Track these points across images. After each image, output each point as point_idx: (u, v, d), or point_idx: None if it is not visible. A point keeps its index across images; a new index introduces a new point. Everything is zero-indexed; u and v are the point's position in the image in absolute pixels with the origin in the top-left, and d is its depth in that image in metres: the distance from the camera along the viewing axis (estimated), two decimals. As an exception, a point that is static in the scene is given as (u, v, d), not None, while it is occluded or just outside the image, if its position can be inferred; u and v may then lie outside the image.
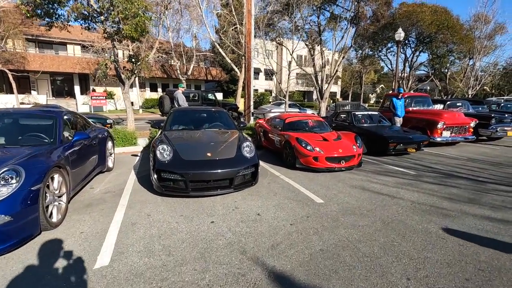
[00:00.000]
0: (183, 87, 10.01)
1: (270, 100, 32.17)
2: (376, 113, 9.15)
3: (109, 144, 6.10)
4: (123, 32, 7.98)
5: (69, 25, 8.28)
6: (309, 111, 20.03)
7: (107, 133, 6.20)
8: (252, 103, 13.72)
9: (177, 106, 9.31)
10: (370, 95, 56.51)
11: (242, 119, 14.51)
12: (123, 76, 9.48)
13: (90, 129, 5.51)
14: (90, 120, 6.19)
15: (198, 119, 6.59)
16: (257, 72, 39.06)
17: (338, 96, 47.98)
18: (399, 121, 9.54)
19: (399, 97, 9.58)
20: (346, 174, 5.84)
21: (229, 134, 5.73)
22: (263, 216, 3.72)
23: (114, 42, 8.82)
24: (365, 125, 8.53)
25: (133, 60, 9.59)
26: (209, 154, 4.52)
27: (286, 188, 4.94)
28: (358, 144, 6.25)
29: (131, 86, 25.54)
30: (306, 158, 5.85)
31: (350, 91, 47.98)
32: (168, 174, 4.21)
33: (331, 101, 36.12)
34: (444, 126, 8.85)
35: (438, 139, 8.76)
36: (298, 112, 9.19)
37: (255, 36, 15.20)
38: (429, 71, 25.93)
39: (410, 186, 5.04)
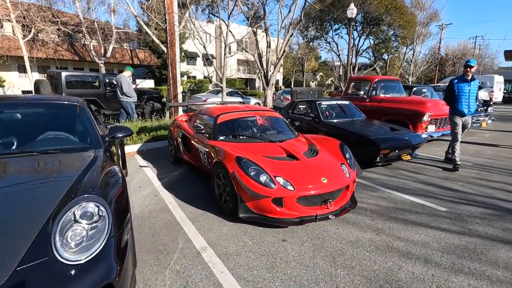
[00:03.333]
0: (130, 71, 7.96)
1: (210, 88, 28.46)
2: (347, 102, 6.59)
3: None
4: None
5: None
6: (253, 100, 17.12)
7: None
8: (180, 90, 10.16)
9: (120, 94, 7.43)
10: (311, 82, 56.52)
11: (167, 113, 10.83)
12: None
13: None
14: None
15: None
16: (193, 57, 34.77)
17: (281, 83, 46.51)
18: (464, 122, 5.18)
19: (468, 77, 4.98)
20: (334, 227, 3.00)
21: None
22: None
23: None
24: (336, 120, 5.87)
25: None
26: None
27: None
28: (348, 162, 3.44)
29: (24, 70, 19.25)
30: (258, 200, 2.82)
31: (293, 78, 46.85)
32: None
33: (274, 89, 33.99)
34: (429, 119, 6.76)
35: (423, 136, 6.61)
36: (240, 102, 6.35)
37: (181, 6, 11.44)
38: (371, 57, 25.35)
39: (475, 255, 2.41)
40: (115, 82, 8.10)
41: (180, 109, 9.97)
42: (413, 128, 6.67)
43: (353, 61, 20.56)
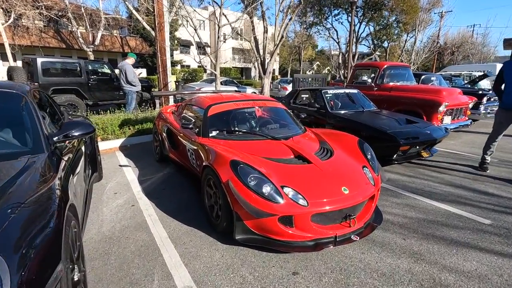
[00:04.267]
0: (134, 58, 7.59)
1: (204, 77, 27.45)
2: (355, 91, 5.87)
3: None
4: None
5: None
6: (249, 90, 16.30)
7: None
8: (171, 78, 9.34)
9: (123, 83, 7.08)
10: (307, 72, 55.44)
11: (157, 103, 9.98)
12: None
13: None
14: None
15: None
16: (187, 45, 33.58)
17: (277, 73, 45.50)
18: None
19: None
20: (359, 251, 2.33)
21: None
22: None
23: None
24: (345, 111, 5.17)
25: None
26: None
27: None
28: (371, 164, 2.76)
29: (7, 58, 18.06)
30: (259, 219, 2.13)
31: (289, 67, 45.78)
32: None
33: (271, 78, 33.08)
34: (446, 109, 6.09)
35: (445, 129, 5.92)
36: (236, 91, 5.65)
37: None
38: (370, 46, 24.44)
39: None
40: (117, 71, 7.69)
41: (171, 99, 9.17)
42: (427, 119, 6.00)
43: (353, 49, 19.71)
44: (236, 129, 3.31)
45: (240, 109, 3.49)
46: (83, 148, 2.87)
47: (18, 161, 1.69)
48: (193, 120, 3.51)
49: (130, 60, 7.38)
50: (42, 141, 1.91)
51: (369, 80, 7.39)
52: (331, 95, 5.49)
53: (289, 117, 3.67)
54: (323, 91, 5.46)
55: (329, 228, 2.24)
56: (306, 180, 2.34)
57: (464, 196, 3.33)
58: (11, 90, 2.18)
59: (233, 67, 39.31)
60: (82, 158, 2.70)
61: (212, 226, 2.59)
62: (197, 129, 3.27)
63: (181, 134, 3.58)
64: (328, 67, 49.02)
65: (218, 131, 3.19)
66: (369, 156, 2.86)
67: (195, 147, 3.11)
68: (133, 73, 7.15)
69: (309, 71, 55.88)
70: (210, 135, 3.11)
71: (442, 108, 5.95)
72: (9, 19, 17.67)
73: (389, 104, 6.71)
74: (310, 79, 7.33)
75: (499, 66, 21.70)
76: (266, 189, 2.16)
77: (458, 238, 2.46)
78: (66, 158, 2.11)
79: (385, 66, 7.20)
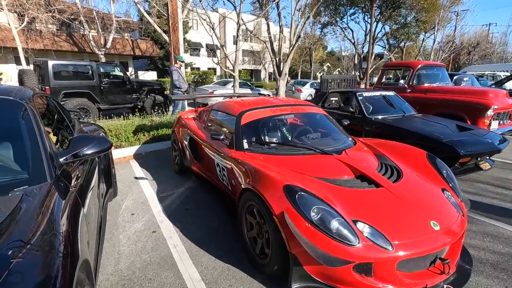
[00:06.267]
0: (182, 61, 7.61)
1: (215, 80, 27.11)
2: (392, 93, 5.28)
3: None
4: None
5: None
6: (263, 92, 15.82)
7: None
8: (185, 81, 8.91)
9: (173, 86, 7.16)
10: (317, 73, 54.67)
11: (172, 108, 9.56)
12: None
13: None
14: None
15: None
16: (197, 48, 33.46)
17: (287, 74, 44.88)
18: None
19: None
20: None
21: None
22: None
23: None
24: (384, 117, 4.59)
25: None
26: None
27: None
28: (452, 186, 2.20)
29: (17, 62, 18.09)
30: (326, 269, 1.60)
31: (299, 69, 45.17)
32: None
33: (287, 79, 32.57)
34: (493, 113, 5.45)
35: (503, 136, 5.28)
36: (259, 94, 5.17)
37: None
38: (385, 46, 23.66)
39: None
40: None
41: (185, 103, 8.74)
42: (473, 124, 5.38)
43: (370, 49, 19.01)
44: (275, 140, 2.80)
45: (277, 116, 2.96)
46: (96, 161, 2.40)
47: (9, 196, 1.21)
48: (222, 129, 3.01)
49: (178, 64, 7.47)
50: (44, 165, 1.44)
51: (402, 81, 6.78)
52: (366, 98, 4.93)
53: (334, 125, 3.13)
54: (357, 93, 4.90)
55: (416, 276, 1.70)
56: (382, 211, 1.81)
57: (553, 222, 2.73)
58: (8, 96, 1.72)
59: (243, 69, 39.02)
60: (96, 176, 2.23)
61: (254, 265, 2.07)
62: (228, 140, 2.77)
63: (208, 145, 3.09)
64: (339, 68, 48.22)
65: (254, 143, 2.68)
66: (445, 175, 2.30)
67: (227, 163, 2.60)
68: (178, 76, 7.18)
69: (319, 72, 55.17)
70: (245, 147, 2.60)
71: (490, 112, 5.32)
72: (22, 23, 17.69)
73: (425, 107, 6.08)
74: (339, 80, 6.76)
75: (519, 65, 20.64)
76: (335, 225, 1.63)
77: None
78: (75, 183, 1.63)
79: (420, 66, 6.58)
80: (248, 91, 14.06)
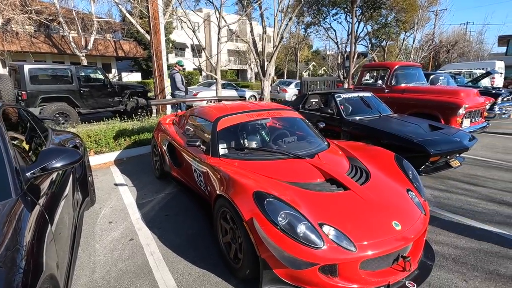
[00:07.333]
0: (181, 65, 7.95)
1: (200, 81, 26.92)
2: (369, 94, 5.44)
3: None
4: None
5: None
6: (248, 93, 15.87)
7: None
8: (167, 83, 8.84)
9: (173, 89, 7.62)
10: (303, 72, 55.14)
11: (154, 110, 9.45)
12: None
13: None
14: None
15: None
16: (182, 48, 33.10)
17: (273, 74, 45.08)
18: None
19: None
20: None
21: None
22: None
23: None
24: (361, 117, 4.73)
25: None
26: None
27: None
28: (416, 186, 2.32)
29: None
30: (294, 271, 1.67)
31: (285, 69, 45.47)
32: None
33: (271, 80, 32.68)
34: (465, 112, 5.70)
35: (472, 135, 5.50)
36: (241, 97, 5.22)
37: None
38: (368, 45, 24.13)
39: None
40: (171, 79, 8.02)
41: (168, 107, 8.68)
42: (446, 123, 5.61)
43: (352, 48, 19.38)
44: (251, 146, 2.86)
45: (253, 121, 3.02)
46: (69, 171, 2.39)
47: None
48: (199, 136, 3.05)
49: (177, 68, 7.74)
50: (9, 180, 1.44)
51: (380, 82, 6.98)
52: (344, 99, 5.06)
53: (309, 129, 3.22)
54: (335, 95, 5.03)
55: (379, 274, 1.79)
56: (348, 213, 1.90)
57: (513, 216, 2.91)
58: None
59: (229, 69, 38.91)
60: (69, 186, 2.22)
61: (229, 270, 2.13)
62: (205, 147, 2.80)
63: (185, 151, 3.11)
64: (324, 67, 48.79)
65: (230, 149, 2.73)
66: (410, 175, 2.42)
67: (204, 169, 2.64)
68: (181, 80, 7.54)
69: (305, 71, 55.71)
70: (221, 153, 2.64)
71: (461, 111, 5.56)
72: (-3, 25, 17.05)
73: (402, 106, 6.30)
74: (319, 82, 6.88)
75: (498, 63, 21.53)
76: (301, 228, 1.70)
77: (529, 277, 2.03)
78: (44, 197, 1.64)
79: (397, 66, 6.79)
80: (233, 92, 14.09)
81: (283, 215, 1.74)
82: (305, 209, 1.85)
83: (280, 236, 1.68)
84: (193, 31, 6.90)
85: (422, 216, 2.04)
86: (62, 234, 1.67)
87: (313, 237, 1.68)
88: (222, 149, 2.70)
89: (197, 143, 2.69)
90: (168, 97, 8.14)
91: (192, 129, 3.44)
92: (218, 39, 7.25)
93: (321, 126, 3.52)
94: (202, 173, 2.69)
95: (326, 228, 1.75)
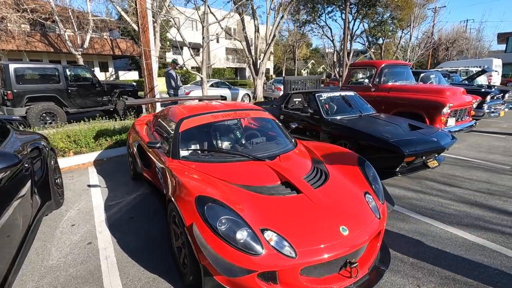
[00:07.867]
0: (176, 63, 7.93)
1: (198, 79, 26.83)
2: (352, 93, 5.38)
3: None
4: None
5: None
6: (242, 91, 15.77)
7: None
8: (157, 82, 8.77)
9: (168, 88, 7.70)
10: (302, 70, 54.93)
11: (144, 109, 9.40)
12: None
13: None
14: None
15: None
16: (180, 46, 32.94)
17: (271, 72, 45.02)
18: None
19: None
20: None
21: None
22: None
23: None
24: (341, 117, 4.67)
25: None
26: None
27: None
28: (375, 189, 2.27)
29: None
30: (232, 279, 1.62)
31: (284, 67, 45.34)
32: None
33: (265, 78, 32.61)
34: (450, 111, 5.63)
35: (452, 135, 5.45)
36: (222, 97, 5.19)
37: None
38: (365, 43, 24.02)
39: None
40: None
41: (158, 106, 8.62)
42: (430, 122, 5.56)
43: (348, 46, 19.28)
44: (215, 147, 2.81)
45: (218, 122, 2.96)
46: (23, 175, 2.34)
47: None
48: (163, 137, 3.00)
49: (172, 66, 7.81)
50: None
51: (366, 80, 6.91)
52: (325, 98, 5.00)
53: (278, 129, 3.17)
54: (316, 94, 4.96)
55: (324, 281, 1.74)
56: (294, 218, 1.84)
57: (482, 218, 2.85)
58: None
59: (227, 67, 38.80)
60: (24, 190, 2.18)
61: (179, 275, 2.08)
62: (168, 148, 2.75)
63: (151, 152, 3.07)
64: (323, 65, 48.63)
65: (191, 151, 2.68)
66: (371, 178, 2.36)
67: (163, 171, 2.59)
68: (175, 78, 7.62)
69: (304, 69, 55.53)
70: (181, 156, 2.59)
71: (446, 110, 5.49)
72: (-10, 23, 17.01)
73: (388, 105, 6.25)
74: (303, 81, 6.81)
75: (495, 61, 21.37)
76: (241, 234, 1.65)
77: (485, 282, 1.98)
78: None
79: (383, 65, 6.72)
80: (227, 91, 14.01)
81: (223, 221, 1.69)
82: (250, 214, 1.80)
83: (218, 243, 1.63)
84: (178, 30, 6.83)
85: (376, 220, 1.98)
86: (7, 238, 1.63)
87: (252, 243, 1.63)
88: (184, 151, 2.65)
89: (157, 145, 2.64)
90: (165, 95, 8.16)
91: (159, 130, 3.38)
92: (203, 38, 7.18)
93: (293, 126, 3.47)
94: (163, 175, 2.64)
95: (269, 234, 1.70)
